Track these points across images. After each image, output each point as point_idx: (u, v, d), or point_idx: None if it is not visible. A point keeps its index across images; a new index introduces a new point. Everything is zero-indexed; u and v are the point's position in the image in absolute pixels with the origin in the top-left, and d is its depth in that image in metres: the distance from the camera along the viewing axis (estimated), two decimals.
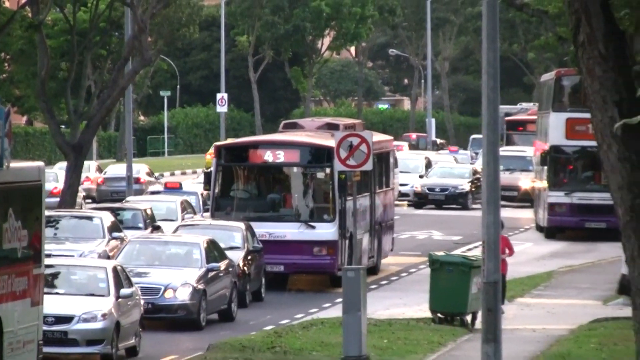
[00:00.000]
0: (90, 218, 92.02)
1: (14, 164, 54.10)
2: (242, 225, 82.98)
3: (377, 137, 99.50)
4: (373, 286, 75.65)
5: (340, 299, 68.13)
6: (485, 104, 44.29)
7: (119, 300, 60.60)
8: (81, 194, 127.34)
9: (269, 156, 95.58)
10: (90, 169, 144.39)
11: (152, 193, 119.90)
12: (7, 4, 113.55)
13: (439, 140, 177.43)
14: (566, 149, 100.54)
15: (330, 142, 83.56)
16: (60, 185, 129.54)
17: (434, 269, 69.12)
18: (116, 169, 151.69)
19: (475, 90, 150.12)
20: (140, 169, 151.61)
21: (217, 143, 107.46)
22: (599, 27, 36.17)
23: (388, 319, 70.76)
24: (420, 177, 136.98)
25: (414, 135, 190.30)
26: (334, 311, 71.10)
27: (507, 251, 70.87)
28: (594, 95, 34.62)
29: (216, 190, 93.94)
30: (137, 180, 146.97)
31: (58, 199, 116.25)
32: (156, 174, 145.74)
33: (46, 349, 55.07)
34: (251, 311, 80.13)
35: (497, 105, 43.52)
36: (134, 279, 65.10)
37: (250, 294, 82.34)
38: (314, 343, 63.52)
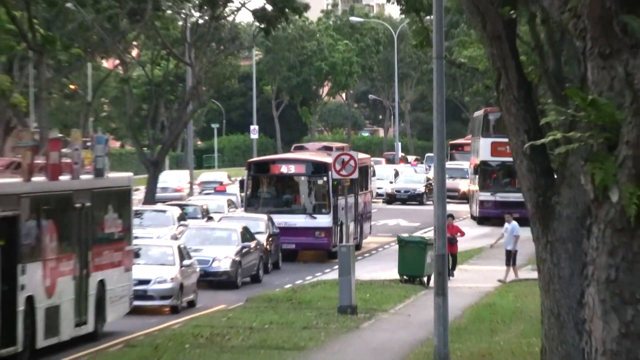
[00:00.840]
0: (164, 211, 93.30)
1: (111, 175, 56.72)
2: (265, 216, 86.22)
3: (361, 155, 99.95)
4: (358, 258, 75.03)
5: (335, 267, 69.33)
6: (435, 133, 47.76)
7: (182, 268, 62.53)
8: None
9: (284, 169, 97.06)
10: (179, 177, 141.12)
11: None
12: (105, 65, 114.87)
13: (411, 157, 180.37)
14: (491, 162, 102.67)
15: (327, 159, 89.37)
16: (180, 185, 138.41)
17: (400, 245, 73.16)
18: (208, 176, 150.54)
19: (428, 123, 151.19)
20: (223, 175, 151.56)
21: (249, 160, 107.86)
22: (514, 79, 36.49)
23: (369, 280, 72.48)
24: (390, 182, 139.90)
25: (386, 155, 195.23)
26: (331, 275, 72.06)
27: (458, 234, 73.35)
28: (510, 126, 35.62)
29: (248, 193, 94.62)
30: (221, 184, 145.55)
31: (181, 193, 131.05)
32: (232, 178, 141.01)
33: (134, 302, 56.14)
34: (273, 276, 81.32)
35: (444, 133, 47.08)
36: (192, 254, 66.96)
37: (271, 264, 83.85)
38: (319, 296, 66.01)
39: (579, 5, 26.80)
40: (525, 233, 64.16)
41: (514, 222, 78.71)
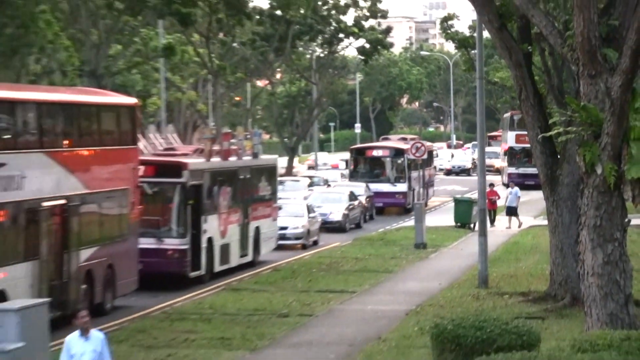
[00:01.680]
0: (298, 180, 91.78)
1: (263, 156, 58.62)
2: (363, 184, 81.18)
3: (427, 143, 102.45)
4: (426, 211, 72.62)
5: (411, 218, 69.18)
6: (478, 128, 49.75)
7: (309, 218, 62.42)
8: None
9: (375, 152, 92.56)
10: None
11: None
12: (259, 84, 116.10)
13: (467, 144, 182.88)
14: (516, 147, 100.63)
15: (404, 146, 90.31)
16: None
17: (455, 203, 73.41)
18: (327, 158, 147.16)
19: (474, 122, 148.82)
20: (337, 157, 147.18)
21: (352, 147, 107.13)
22: (530, 91, 37.81)
23: (434, 226, 68.36)
24: (448, 161, 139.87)
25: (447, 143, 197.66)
26: (408, 223, 69.51)
27: (497, 197, 72.38)
28: (528, 123, 39.46)
29: (351, 169, 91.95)
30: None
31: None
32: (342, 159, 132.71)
33: (278, 242, 58.66)
34: (369, 224, 77.94)
35: (484, 128, 49.30)
36: (316, 209, 66.84)
37: (368, 216, 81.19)
38: (401, 237, 66.16)
39: (574, 43, 27.65)
40: (535, 195, 67.01)
41: (517, 188, 77.26)
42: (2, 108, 33.87)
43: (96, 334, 18.98)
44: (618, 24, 29.06)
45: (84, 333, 18.59)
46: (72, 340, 18.64)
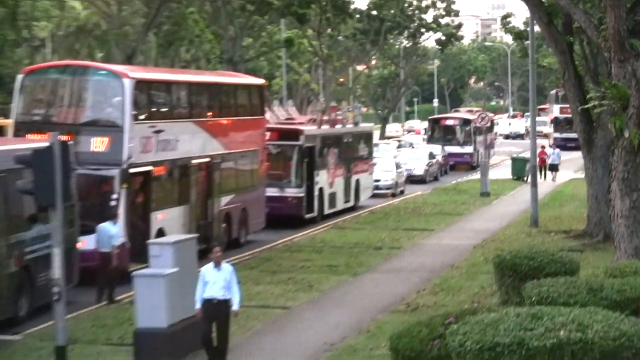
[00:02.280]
0: (389, 143, 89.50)
1: (362, 124, 59.47)
2: (439, 147, 79.52)
3: (489, 114, 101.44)
4: (490, 167, 72.82)
5: (477, 172, 69.31)
6: (530, 102, 49.26)
7: (397, 173, 61.83)
8: None
9: (447, 122, 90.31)
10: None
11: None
12: (358, 68, 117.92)
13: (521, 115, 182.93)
14: (560, 117, 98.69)
15: (471, 117, 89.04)
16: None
17: (512, 160, 71.91)
18: (413, 125, 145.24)
19: (527, 97, 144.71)
20: (419, 124, 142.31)
21: (429, 117, 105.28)
22: (572, 73, 37.90)
23: (495, 179, 67.29)
24: (506, 129, 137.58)
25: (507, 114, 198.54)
26: (475, 176, 69.90)
27: (547, 156, 70.17)
28: (570, 98, 39.95)
29: (429, 134, 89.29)
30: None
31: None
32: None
33: (373, 191, 57.30)
34: (444, 178, 75.16)
35: (535, 102, 49.11)
36: (402, 165, 65.61)
37: (443, 171, 78.57)
38: (470, 187, 65.22)
39: (607, 35, 27.64)
40: (575, 155, 66.45)
41: (558, 149, 76.75)
42: (161, 87, 35.18)
43: (226, 266, 19.59)
44: None
45: (217, 265, 19.20)
46: (207, 270, 19.25)
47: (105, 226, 27.28)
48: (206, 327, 19.42)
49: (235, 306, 19.46)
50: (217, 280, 19.24)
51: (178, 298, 20.39)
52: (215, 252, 19.64)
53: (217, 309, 19.24)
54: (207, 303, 19.19)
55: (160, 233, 30.48)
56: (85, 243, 28.33)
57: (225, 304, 19.33)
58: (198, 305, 19.38)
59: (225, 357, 19.72)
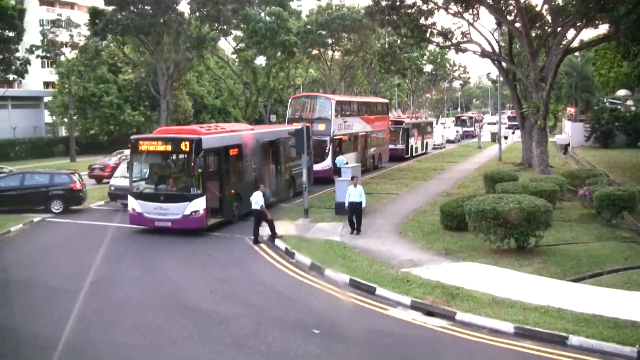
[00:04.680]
0: (436, 125, 79.87)
1: (429, 119, 61.84)
2: (460, 127, 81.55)
3: (482, 115, 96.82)
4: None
5: (475, 137, 69.97)
6: (499, 109, 44.50)
7: (442, 138, 65.96)
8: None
9: (463, 117, 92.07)
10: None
11: None
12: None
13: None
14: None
15: (473, 115, 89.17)
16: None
17: (491, 133, 60.46)
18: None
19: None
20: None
21: (455, 115, 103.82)
22: (515, 97, 41.84)
23: (483, 141, 68.36)
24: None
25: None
26: (475, 140, 69.53)
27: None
28: (515, 107, 38.27)
29: (455, 122, 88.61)
30: None
31: None
32: None
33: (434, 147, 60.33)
34: (462, 141, 76.07)
35: (500, 110, 44.71)
36: (444, 135, 69.12)
37: (461, 139, 79.17)
38: (473, 144, 66.82)
39: (530, 80, 32.26)
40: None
41: (510, 129, 76.94)
42: (346, 103, 39.73)
43: (359, 186, 21.11)
44: (545, 73, 33.90)
45: (355, 185, 21.22)
46: (350, 188, 21.26)
47: (339, 157, 33.08)
48: (350, 215, 21.13)
49: (363, 205, 21.06)
50: (353, 193, 20.83)
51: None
52: (354, 179, 21.40)
53: (355, 206, 20.92)
54: (350, 204, 21.01)
55: (347, 164, 32.52)
56: (316, 167, 32.77)
57: (359, 204, 20.92)
58: (347, 205, 21.29)
59: (360, 227, 21.15)
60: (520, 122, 43.27)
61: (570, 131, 60.67)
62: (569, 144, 56.29)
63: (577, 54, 55.96)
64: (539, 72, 32.81)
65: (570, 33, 33.88)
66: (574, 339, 11.80)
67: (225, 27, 53.33)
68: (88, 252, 19.33)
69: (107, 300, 14.59)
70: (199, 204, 21.44)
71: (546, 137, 32.84)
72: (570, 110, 74.30)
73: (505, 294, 14.07)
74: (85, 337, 12.31)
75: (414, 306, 13.84)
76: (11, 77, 46.15)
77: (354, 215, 20.60)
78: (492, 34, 41.85)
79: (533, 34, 35.43)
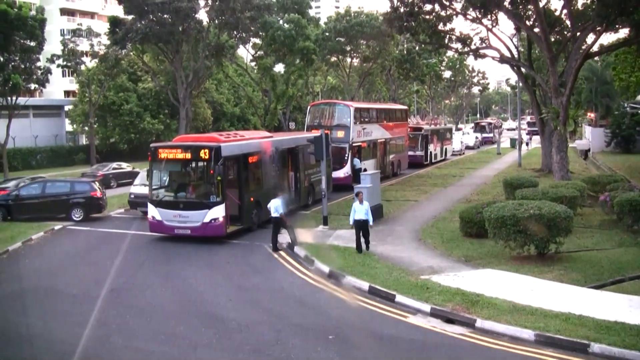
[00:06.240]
0: (454, 132, 76.69)
1: (447, 125, 61.21)
2: (479, 134, 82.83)
3: (500, 120, 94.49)
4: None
5: (494, 144, 69.59)
6: (518, 115, 43.69)
7: (461, 144, 65.42)
8: None
9: (482, 123, 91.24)
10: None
11: None
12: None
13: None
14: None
15: (492, 121, 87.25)
16: None
17: (510, 139, 62.36)
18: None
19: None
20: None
21: (474, 121, 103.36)
22: (534, 103, 41.57)
23: (503, 147, 67.41)
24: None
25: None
26: (494, 146, 69.07)
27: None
28: (534, 113, 38.02)
29: (474, 128, 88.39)
30: None
31: None
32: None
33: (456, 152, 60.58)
34: (481, 147, 75.92)
35: (520, 116, 41.97)
36: (463, 141, 68.39)
37: (480, 145, 79.18)
38: (492, 150, 65.68)
39: (550, 85, 31.90)
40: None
41: (529, 135, 75.23)
42: (364, 110, 39.90)
43: (365, 203, 19.83)
44: (564, 79, 33.79)
45: (360, 202, 19.81)
46: (356, 205, 19.80)
47: (356, 160, 34.39)
48: (357, 233, 19.79)
49: (370, 223, 19.69)
50: (360, 210, 19.55)
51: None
52: (358, 195, 19.84)
53: (361, 224, 19.69)
54: (357, 222, 19.74)
55: (364, 170, 34.00)
56: (335, 173, 33.17)
57: (366, 222, 19.61)
58: (351, 222, 19.82)
59: (368, 244, 19.93)
60: (539, 128, 42.78)
61: (590, 136, 60.11)
62: (589, 150, 55.79)
63: (596, 58, 55.63)
64: (559, 77, 32.61)
65: (590, 37, 33.62)
66: (596, 347, 11.61)
67: (243, 34, 53.12)
68: (109, 260, 19.51)
69: (129, 307, 14.71)
70: (218, 212, 21.52)
71: (566, 143, 32.52)
72: (591, 115, 73.71)
73: (525, 301, 13.96)
74: (107, 343, 12.44)
75: (434, 313, 13.77)
76: (32, 86, 46.26)
77: (360, 232, 19.44)
78: (511, 40, 41.86)
79: (552, 39, 35.24)
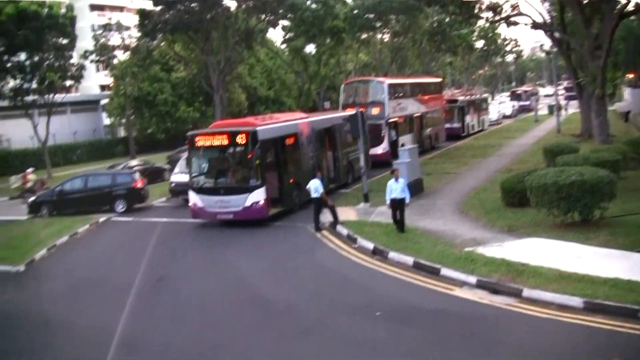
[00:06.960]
0: (491, 101, 79.65)
1: (484, 95, 60.82)
2: (516, 102, 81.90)
3: (537, 88, 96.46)
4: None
5: (532, 111, 69.27)
6: (554, 82, 44.49)
7: (498, 114, 66.31)
8: None
9: (518, 91, 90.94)
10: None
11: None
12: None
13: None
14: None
15: (528, 89, 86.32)
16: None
17: (548, 106, 61.99)
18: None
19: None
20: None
21: (510, 90, 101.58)
22: (570, 67, 41.97)
23: (540, 114, 66.90)
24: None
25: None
26: (531, 114, 68.95)
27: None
28: (571, 77, 39.16)
29: (511, 97, 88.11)
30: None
31: None
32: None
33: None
34: (519, 115, 75.57)
35: (556, 82, 43.48)
36: (500, 110, 69.18)
37: (518, 113, 78.32)
38: (529, 118, 65.44)
39: (586, 49, 31.77)
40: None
41: (567, 100, 74.60)
42: (399, 85, 39.50)
43: (401, 180, 19.12)
44: (600, 41, 33.41)
45: (396, 179, 19.14)
46: (391, 182, 19.15)
47: (392, 133, 34.13)
48: (393, 213, 19.29)
49: (407, 201, 19.03)
50: (396, 189, 18.98)
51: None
52: (394, 172, 19.41)
53: (398, 203, 19.06)
54: (392, 201, 19.07)
55: (402, 145, 33.28)
56: (373, 150, 33.00)
57: (402, 200, 18.96)
58: (387, 202, 19.17)
59: (403, 226, 19.13)
60: (577, 93, 42.35)
61: (630, 98, 58.57)
62: (629, 112, 54.80)
63: (632, 17, 54.03)
64: (594, 40, 31.81)
65: None
66: None
67: (272, 17, 52.80)
68: (154, 249, 19.83)
69: (177, 294, 14.97)
70: (259, 195, 21.72)
71: (605, 106, 32.34)
72: (630, 76, 72.14)
73: (572, 268, 13.76)
74: (157, 330, 12.70)
75: (480, 285, 13.73)
76: (68, 83, 46.91)
77: (396, 212, 18.88)
78: (542, 4, 40.69)
79: (585, 1, 34.85)
